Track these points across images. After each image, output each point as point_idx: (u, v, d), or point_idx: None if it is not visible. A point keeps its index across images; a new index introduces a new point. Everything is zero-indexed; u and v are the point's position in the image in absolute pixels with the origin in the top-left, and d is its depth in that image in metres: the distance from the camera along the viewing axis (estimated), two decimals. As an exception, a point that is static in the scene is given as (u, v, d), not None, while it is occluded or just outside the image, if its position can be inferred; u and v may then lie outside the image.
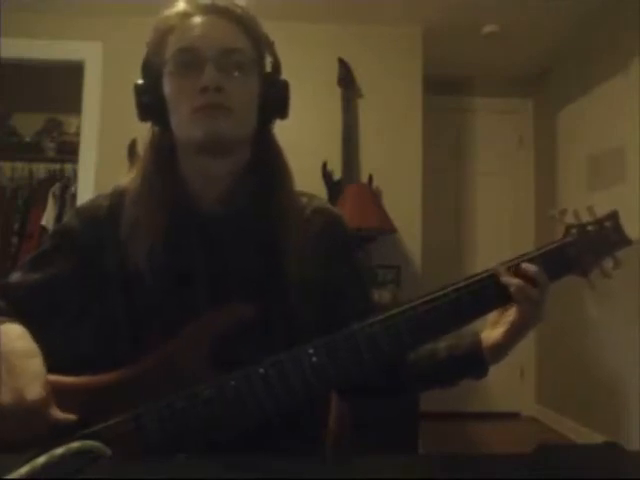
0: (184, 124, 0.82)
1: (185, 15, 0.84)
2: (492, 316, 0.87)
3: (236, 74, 0.82)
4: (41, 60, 3.23)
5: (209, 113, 0.80)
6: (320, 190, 3.02)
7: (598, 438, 2.99)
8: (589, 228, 0.88)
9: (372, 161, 3.16)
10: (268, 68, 0.90)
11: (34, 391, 0.66)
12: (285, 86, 0.89)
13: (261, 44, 0.88)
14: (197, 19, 0.84)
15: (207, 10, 0.84)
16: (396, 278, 3.01)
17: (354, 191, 2.90)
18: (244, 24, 0.85)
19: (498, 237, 3.97)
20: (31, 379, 0.67)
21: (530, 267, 0.82)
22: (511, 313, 0.84)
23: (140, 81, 0.87)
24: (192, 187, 0.87)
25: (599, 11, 3.02)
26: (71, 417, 0.70)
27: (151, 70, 0.86)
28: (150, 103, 0.85)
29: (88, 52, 3.18)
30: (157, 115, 0.86)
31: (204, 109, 0.80)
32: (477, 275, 0.83)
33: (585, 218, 0.89)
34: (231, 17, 0.85)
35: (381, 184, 3.12)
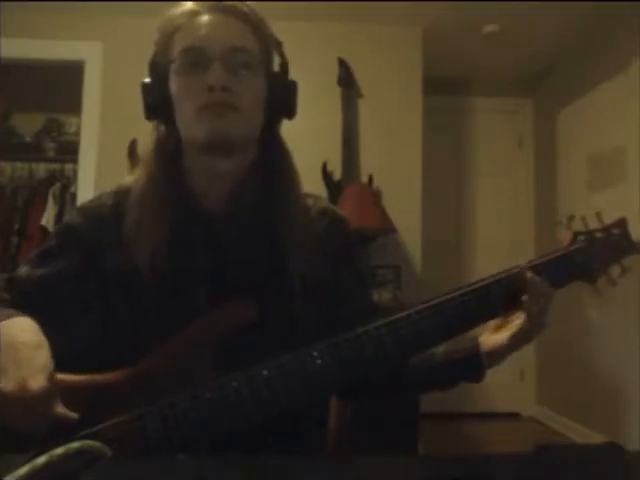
0: (190, 123, 0.82)
1: (192, 14, 0.84)
2: (493, 321, 0.87)
3: (243, 73, 0.82)
4: (41, 60, 3.23)
5: (215, 112, 0.80)
6: (320, 190, 3.01)
7: (598, 438, 2.99)
8: (597, 235, 0.88)
9: (372, 161, 3.16)
10: (276, 68, 0.90)
11: (38, 382, 0.66)
12: (293, 86, 0.89)
13: (269, 43, 0.88)
14: (204, 18, 0.83)
15: (214, 9, 0.84)
16: (396, 278, 3.00)
17: (354, 191, 2.90)
18: (251, 23, 0.85)
19: (498, 237, 3.98)
20: (37, 370, 0.67)
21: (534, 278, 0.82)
22: (516, 318, 0.84)
23: (147, 80, 0.87)
24: (197, 186, 0.87)
25: (599, 11, 3.02)
26: (72, 415, 0.70)
27: (158, 69, 0.86)
28: (157, 102, 0.85)
29: (88, 52, 3.17)
30: (163, 114, 0.86)
31: (210, 108, 0.80)
32: (483, 280, 0.83)
33: (593, 225, 0.89)
34: (238, 16, 0.84)
35: (381, 184, 3.12)
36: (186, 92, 0.82)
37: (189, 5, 0.85)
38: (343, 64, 3.15)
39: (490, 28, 3.27)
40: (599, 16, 3.07)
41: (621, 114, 2.94)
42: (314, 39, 3.21)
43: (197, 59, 0.81)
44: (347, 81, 3.15)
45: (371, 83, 3.23)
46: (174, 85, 0.84)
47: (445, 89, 3.92)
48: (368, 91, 3.23)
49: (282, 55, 0.90)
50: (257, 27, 0.86)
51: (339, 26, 3.23)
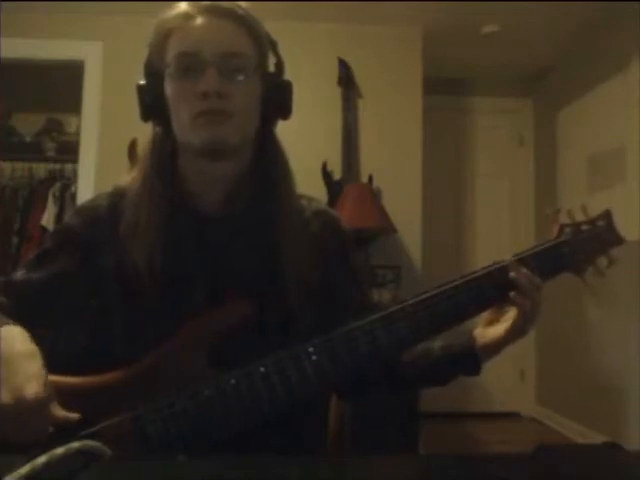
0: (185, 129, 0.82)
1: (186, 16, 0.83)
2: (486, 314, 0.88)
3: (238, 78, 0.82)
4: (41, 60, 3.23)
5: (210, 119, 0.80)
6: (320, 190, 3.01)
7: (598, 438, 2.99)
8: (583, 227, 0.90)
9: (372, 161, 3.16)
10: (271, 68, 0.89)
11: (33, 390, 0.66)
12: (288, 86, 0.89)
13: (264, 45, 0.87)
14: (198, 21, 0.82)
15: (208, 11, 0.83)
16: (396, 278, 3.00)
17: (354, 191, 2.90)
18: (246, 25, 0.84)
19: (498, 237, 3.97)
20: (30, 378, 0.68)
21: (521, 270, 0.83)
22: (510, 311, 0.85)
23: (142, 81, 0.87)
24: (192, 188, 0.87)
25: (599, 11, 3.02)
26: (73, 416, 0.70)
27: (153, 71, 0.85)
28: (152, 104, 0.85)
29: (88, 52, 3.17)
30: (159, 116, 0.86)
31: (205, 115, 0.80)
32: (475, 272, 0.84)
33: (579, 217, 0.90)
34: (233, 18, 0.83)
35: (381, 184, 3.12)
36: (181, 98, 0.82)
37: (183, 7, 0.84)
38: (343, 64, 3.15)
39: (490, 28, 3.27)
40: (599, 16, 3.07)
41: (621, 114, 2.94)
42: (314, 39, 3.21)
43: (192, 64, 0.81)
44: (347, 81, 3.15)
45: (371, 83, 3.23)
46: (169, 89, 0.83)
47: (445, 89, 3.92)
48: (368, 91, 3.23)
49: (277, 55, 0.89)
50: (251, 29, 0.85)
51: (339, 26, 3.23)
